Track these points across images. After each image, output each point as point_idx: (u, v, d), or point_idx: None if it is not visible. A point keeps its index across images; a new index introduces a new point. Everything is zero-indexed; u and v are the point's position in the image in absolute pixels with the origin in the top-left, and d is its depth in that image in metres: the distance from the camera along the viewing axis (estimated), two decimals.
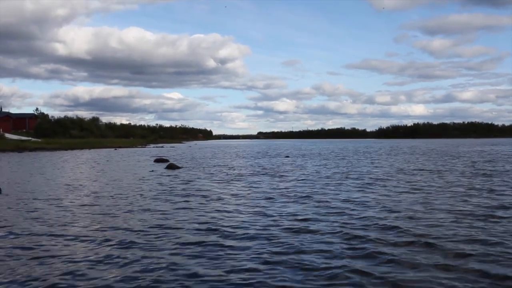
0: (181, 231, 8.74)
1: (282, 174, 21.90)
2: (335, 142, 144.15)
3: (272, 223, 9.36)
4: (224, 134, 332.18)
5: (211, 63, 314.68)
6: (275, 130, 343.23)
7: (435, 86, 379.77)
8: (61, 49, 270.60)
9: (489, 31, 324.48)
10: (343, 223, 9.23)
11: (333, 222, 9.35)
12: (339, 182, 17.71)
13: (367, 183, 16.93)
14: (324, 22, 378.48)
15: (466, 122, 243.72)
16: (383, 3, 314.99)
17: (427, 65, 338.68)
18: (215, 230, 8.79)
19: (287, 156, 42.58)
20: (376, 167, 26.26)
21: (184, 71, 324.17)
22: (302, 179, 18.88)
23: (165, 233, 8.60)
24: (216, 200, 12.97)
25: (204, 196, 13.71)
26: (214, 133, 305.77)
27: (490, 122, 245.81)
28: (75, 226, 9.43)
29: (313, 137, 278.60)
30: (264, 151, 58.30)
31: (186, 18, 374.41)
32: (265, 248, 7.34)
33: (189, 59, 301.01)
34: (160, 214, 10.71)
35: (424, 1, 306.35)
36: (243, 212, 10.73)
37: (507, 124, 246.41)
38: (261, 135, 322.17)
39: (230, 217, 10.16)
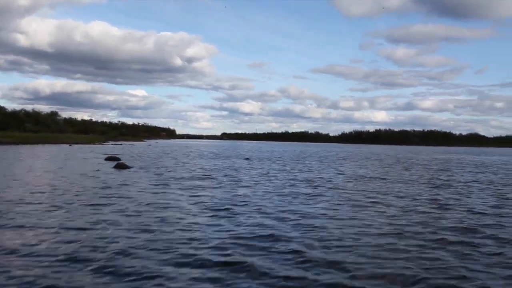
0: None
1: (233, 178, 20.95)
2: (298, 145, 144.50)
3: (190, 250, 7.54)
4: (187, 134, 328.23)
5: (178, 62, 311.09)
6: (240, 131, 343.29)
7: (397, 94, 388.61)
8: (22, 40, 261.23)
9: (451, 43, 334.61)
10: (260, 247, 7.86)
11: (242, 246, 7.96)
12: (288, 190, 16.97)
13: (317, 194, 16.21)
14: (293, 25, 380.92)
15: (425, 130, 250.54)
16: (349, 10, 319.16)
17: (391, 73, 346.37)
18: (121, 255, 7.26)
19: (247, 158, 41.79)
20: (332, 173, 25.75)
21: (150, 69, 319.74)
22: (252, 186, 18.01)
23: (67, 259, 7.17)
24: (143, 212, 11.20)
25: (134, 205, 12.25)
26: (178, 132, 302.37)
27: (448, 131, 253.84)
28: None
29: (277, 139, 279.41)
30: (225, 152, 57.31)
31: (154, 15, 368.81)
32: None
33: (156, 56, 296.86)
34: (73, 229, 8.98)
35: (390, 9, 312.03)
36: (165, 231, 8.99)
37: (464, 133, 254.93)
38: (225, 136, 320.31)
39: (148, 237, 8.49)
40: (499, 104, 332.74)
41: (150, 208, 11.78)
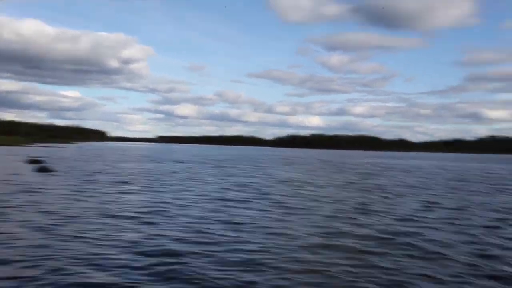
0: None
1: (161, 183, 20.05)
2: (233, 149, 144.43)
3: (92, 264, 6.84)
4: (121, 136, 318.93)
5: (114, 63, 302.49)
6: (176, 134, 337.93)
7: (332, 99, 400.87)
8: None
9: (382, 51, 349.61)
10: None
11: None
12: (217, 195, 16.37)
13: (245, 199, 15.75)
14: (232, 29, 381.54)
15: (356, 135, 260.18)
16: (288, 16, 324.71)
17: (326, 79, 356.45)
18: None
19: (181, 162, 41.10)
20: (264, 177, 25.53)
21: (84, 69, 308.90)
22: (179, 191, 17.26)
23: None
24: (49, 223, 9.97)
25: (42, 214, 11.12)
26: (112, 135, 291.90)
27: (377, 136, 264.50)
28: None
29: (213, 143, 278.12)
30: (158, 156, 56.04)
31: (89, 14, 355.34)
32: None
33: (90, 57, 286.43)
34: None
35: (327, 17, 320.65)
36: (60, 246, 7.93)
37: (392, 138, 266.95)
38: (160, 139, 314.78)
39: (38, 255, 7.34)
40: (425, 111, 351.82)
41: (58, 217, 10.65)
